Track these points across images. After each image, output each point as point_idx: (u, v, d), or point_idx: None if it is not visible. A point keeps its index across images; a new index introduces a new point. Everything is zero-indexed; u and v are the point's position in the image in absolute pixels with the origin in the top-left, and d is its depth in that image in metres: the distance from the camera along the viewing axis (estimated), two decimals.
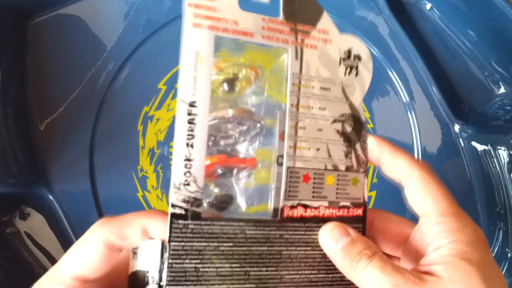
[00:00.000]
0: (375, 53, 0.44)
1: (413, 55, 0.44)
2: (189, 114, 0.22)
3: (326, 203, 0.25)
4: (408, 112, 0.44)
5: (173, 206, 0.22)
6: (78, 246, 0.22)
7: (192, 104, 0.22)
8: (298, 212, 0.25)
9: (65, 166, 0.43)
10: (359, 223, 0.26)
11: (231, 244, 0.23)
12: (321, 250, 0.25)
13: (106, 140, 0.43)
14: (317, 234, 0.25)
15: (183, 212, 0.22)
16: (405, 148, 0.45)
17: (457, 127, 0.43)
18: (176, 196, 0.22)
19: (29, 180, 0.43)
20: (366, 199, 0.26)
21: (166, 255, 0.22)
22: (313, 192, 0.25)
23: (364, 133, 0.26)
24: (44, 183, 0.43)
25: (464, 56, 0.44)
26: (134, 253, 0.23)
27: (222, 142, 0.26)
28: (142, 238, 0.22)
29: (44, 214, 0.44)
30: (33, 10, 0.44)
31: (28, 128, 0.44)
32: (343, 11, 0.44)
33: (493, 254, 0.42)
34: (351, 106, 0.26)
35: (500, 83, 0.44)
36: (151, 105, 0.44)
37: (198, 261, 0.23)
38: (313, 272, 0.25)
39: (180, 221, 0.22)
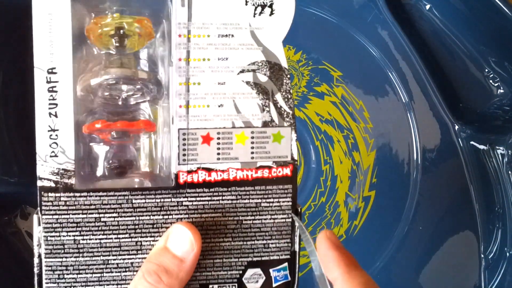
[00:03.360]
0: (375, 53, 0.45)
1: (413, 56, 0.44)
2: (49, 81, 0.21)
3: (238, 165, 0.23)
4: (407, 112, 0.44)
5: (40, 178, 0.21)
6: None
7: (51, 71, 0.21)
8: (199, 176, 0.22)
9: None
10: (287, 184, 0.23)
11: (115, 214, 0.22)
12: (236, 216, 0.22)
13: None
14: (228, 199, 0.22)
15: (52, 184, 0.21)
16: (405, 148, 0.45)
17: (456, 127, 0.44)
18: (44, 169, 0.21)
19: (30, 180, 0.43)
20: (295, 157, 0.23)
21: (40, 228, 0.21)
22: (218, 153, 0.22)
23: (286, 80, 0.23)
24: None
25: (463, 56, 0.44)
26: None
27: (115, 105, 0.23)
28: None
29: None
30: None
31: (29, 128, 0.44)
32: (343, 11, 0.44)
33: (492, 254, 0.42)
34: (265, 51, 0.22)
35: (499, 83, 0.44)
36: None
37: (77, 233, 0.21)
38: (226, 239, 0.23)
39: (51, 194, 0.21)
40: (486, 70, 0.44)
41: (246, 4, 0.22)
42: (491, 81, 0.44)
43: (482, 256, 0.42)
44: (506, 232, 0.41)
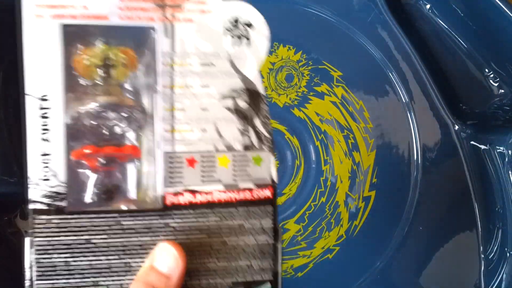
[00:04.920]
0: (375, 54, 0.45)
1: (413, 56, 0.44)
2: (41, 108, 0.21)
3: (221, 187, 0.23)
4: (408, 112, 0.44)
5: (32, 202, 0.22)
6: None
7: (43, 98, 0.21)
8: (185, 198, 0.23)
9: None
10: (268, 205, 0.24)
11: (105, 236, 0.22)
12: (220, 236, 0.23)
13: None
14: (213, 220, 0.23)
15: (45, 207, 0.22)
16: (405, 148, 0.45)
17: (456, 127, 0.44)
18: (35, 192, 0.21)
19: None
20: (275, 179, 0.24)
21: (32, 250, 0.22)
22: (202, 176, 0.23)
23: (263, 106, 0.24)
24: None
25: (464, 56, 0.44)
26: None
27: (103, 132, 0.23)
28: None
29: None
30: None
31: None
32: (342, 11, 0.44)
33: (492, 254, 0.42)
34: (244, 79, 0.24)
35: (499, 83, 0.44)
36: None
37: (68, 255, 0.22)
38: (212, 260, 0.23)
39: (43, 216, 0.22)
40: (486, 70, 0.44)
41: (225, 36, 0.23)
42: (491, 81, 0.44)
43: (482, 256, 0.42)
44: (506, 232, 0.41)
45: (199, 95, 0.23)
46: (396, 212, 0.43)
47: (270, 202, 0.24)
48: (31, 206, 0.22)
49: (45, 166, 0.22)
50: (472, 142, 0.43)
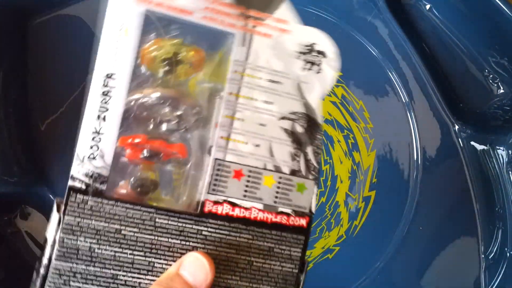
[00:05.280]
0: (375, 54, 0.45)
1: (413, 56, 0.44)
2: (105, 85, 0.21)
3: (260, 206, 0.23)
4: (408, 112, 0.44)
5: (72, 178, 0.21)
6: None
7: (109, 76, 0.21)
8: (224, 209, 0.22)
9: (66, 166, 0.43)
10: (301, 235, 0.24)
11: (136, 230, 0.21)
12: (248, 256, 0.23)
13: None
14: (245, 238, 0.22)
15: (83, 186, 0.21)
16: (405, 148, 0.45)
17: (456, 127, 0.44)
18: (78, 169, 0.21)
19: (30, 180, 0.43)
20: (313, 210, 0.24)
21: (59, 228, 0.21)
22: (245, 191, 0.23)
23: (318, 136, 0.24)
24: (45, 183, 0.43)
25: (463, 56, 0.44)
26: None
27: (154, 125, 0.23)
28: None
29: (45, 214, 0.44)
30: (34, 11, 0.44)
31: (29, 128, 0.44)
32: (342, 11, 0.44)
33: (492, 254, 0.42)
34: (306, 105, 0.23)
35: (499, 83, 0.44)
36: None
37: (95, 241, 0.21)
38: (234, 277, 0.23)
39: (79, 196, 0.21)
40: (486, 70, 0.44)
41: (298, 59, 0.23)
42: (491, 81, 0.44)
43: (482, 256, 0.42)
44: (506, 232, 0.41)
45: (261, 110, 0.23)
46: (396, 212, 0.43)
47: (303, 231, 0.24)
48: (70, 183, 0.21)
49: (95, 145, 0.21)
50: (472, 142, 0.43)
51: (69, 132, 0.45)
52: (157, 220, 0.22)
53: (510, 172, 0.41)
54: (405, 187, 0.43)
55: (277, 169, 0.23)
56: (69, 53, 0.44)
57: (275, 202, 0.23)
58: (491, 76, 0.44)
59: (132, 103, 0.22)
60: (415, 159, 0.43)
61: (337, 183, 0.44)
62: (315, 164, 0.24)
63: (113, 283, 0.21)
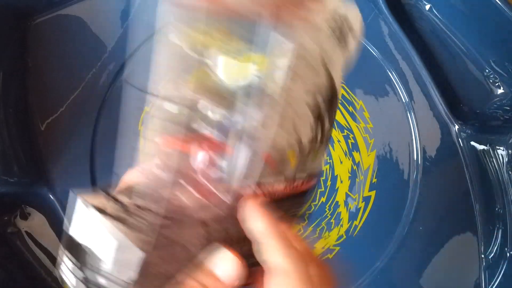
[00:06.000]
0: (375, 54, 0.45)
1: (413, 56, 0.44)
2: None
3: (282, 179, 0.22)
4: (408, 112, 0.44)
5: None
6: None
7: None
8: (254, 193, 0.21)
9: (65, 166, 0.43)
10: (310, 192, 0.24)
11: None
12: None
13: (107, 140, 0.43)
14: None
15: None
16: (405, 148, 0.45)
17: (456, 127, 0.44)
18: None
19: (30, 180, 0.43)
20: (322, 168, 0.24)
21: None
22: (274, 170, 0.22)
23: (334, 107, 0.23)
24: (45, 183, 0.43)
25: (463, 56, 0.44)
26: None
27: (196, 125, 0.20)
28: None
29: (45, 214, 0.44)
30: (34, 11, 0.44)
31: (29, 128, 0.44)
32: None
33: (492, 254, 0.42)
34: (329, 77, 0.22)
35: (499, 84, 0.44)
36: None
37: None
38: None
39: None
40: (486, 70, 0.44)
41: (327, 31, 0.22)
42: (491, 81, 0.44)
43: (482, 256, 0.42)
44: (506, 232, 0.41)
45: (290, 89, 0.20)
46: (396, 212, 0.43)
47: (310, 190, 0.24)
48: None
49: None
50: (472, 142, 0.43)
51: (69, 132, 0.45)
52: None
53: (510, 172, 0.41)
54: (405, 187, 0.43)
55: (299, 142, 0.22)
56: (69, 53, 0.44)
57: (295, 173, 0.23)
58: (491, 76, 0.44)
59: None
60: (415, 159, 0.43)
61: (337, 183, 0.44)
62: (328, 130, 0.24)
63: None
